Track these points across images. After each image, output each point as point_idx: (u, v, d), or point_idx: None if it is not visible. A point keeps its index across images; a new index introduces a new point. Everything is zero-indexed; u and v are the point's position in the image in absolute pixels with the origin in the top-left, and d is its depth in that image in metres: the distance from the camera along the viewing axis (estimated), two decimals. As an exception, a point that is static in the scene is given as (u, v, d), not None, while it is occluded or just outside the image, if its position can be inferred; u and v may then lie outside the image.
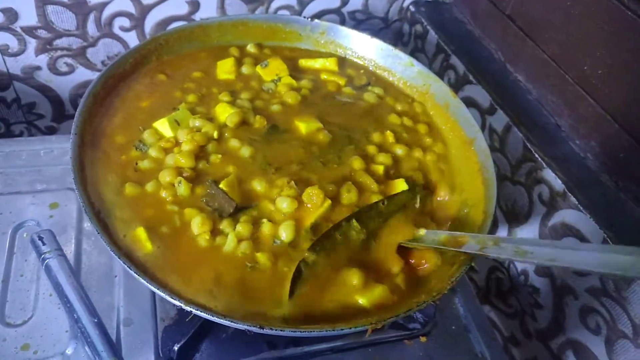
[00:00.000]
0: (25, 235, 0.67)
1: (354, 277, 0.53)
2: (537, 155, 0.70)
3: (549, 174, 0.68)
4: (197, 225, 0.54)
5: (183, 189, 0.57)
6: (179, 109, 0.66)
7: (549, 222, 0.69)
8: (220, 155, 0.61)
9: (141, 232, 0.54)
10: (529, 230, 0.73)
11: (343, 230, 0.56)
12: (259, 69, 0.76)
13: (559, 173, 0.68)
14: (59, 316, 0.60)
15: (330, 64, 0.80)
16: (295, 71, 0.78)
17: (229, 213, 0.56)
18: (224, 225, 0.55)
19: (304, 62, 0.80)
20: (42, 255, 0.56)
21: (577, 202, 0.64)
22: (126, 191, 0.57)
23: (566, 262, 0.44)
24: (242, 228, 0.55)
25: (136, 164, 0.60)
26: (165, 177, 0.58)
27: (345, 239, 0.56)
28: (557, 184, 0.67)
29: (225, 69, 0.74)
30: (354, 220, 0.57)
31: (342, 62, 0.82)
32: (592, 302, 0.63)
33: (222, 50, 0.78)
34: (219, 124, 0.65)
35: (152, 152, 0.61)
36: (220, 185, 0.57)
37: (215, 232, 0.55)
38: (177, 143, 0.62)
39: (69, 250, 0.66)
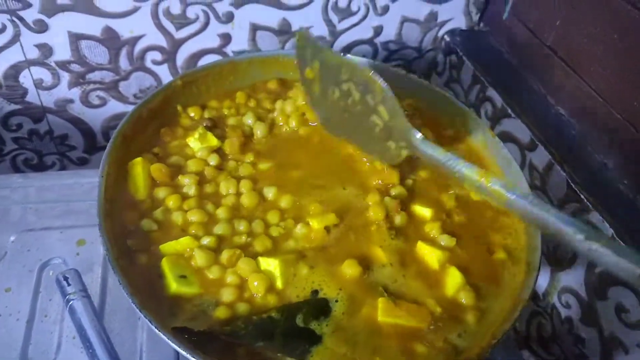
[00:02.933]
0: (51, 274, 0.66)
1: None
2: (582, 196, 0.66)
3: (595, 217, 0.64)
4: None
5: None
6: None
7: (596, 268, 0.64)
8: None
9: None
10: (574, 276, 0.68)
11: None
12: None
13: (606, 216, 0.63)
14: (82, 360, 0.59)
15: None
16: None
17: None
18: None
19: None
20: (67, 297, 0.55)
21: (627, 250, 0.60)
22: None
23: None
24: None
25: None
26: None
27: None
28: (605, 228, 0.62)
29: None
30: None
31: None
32: (646, 359, 0.58)
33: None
34: None
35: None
36: None
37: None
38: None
39: (94, 289, 0.65)
